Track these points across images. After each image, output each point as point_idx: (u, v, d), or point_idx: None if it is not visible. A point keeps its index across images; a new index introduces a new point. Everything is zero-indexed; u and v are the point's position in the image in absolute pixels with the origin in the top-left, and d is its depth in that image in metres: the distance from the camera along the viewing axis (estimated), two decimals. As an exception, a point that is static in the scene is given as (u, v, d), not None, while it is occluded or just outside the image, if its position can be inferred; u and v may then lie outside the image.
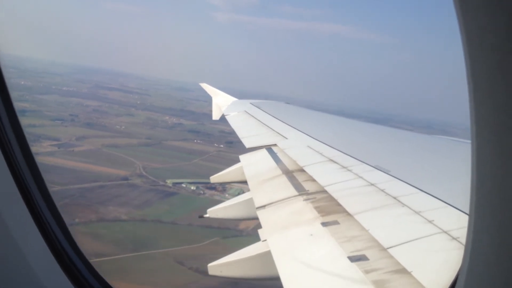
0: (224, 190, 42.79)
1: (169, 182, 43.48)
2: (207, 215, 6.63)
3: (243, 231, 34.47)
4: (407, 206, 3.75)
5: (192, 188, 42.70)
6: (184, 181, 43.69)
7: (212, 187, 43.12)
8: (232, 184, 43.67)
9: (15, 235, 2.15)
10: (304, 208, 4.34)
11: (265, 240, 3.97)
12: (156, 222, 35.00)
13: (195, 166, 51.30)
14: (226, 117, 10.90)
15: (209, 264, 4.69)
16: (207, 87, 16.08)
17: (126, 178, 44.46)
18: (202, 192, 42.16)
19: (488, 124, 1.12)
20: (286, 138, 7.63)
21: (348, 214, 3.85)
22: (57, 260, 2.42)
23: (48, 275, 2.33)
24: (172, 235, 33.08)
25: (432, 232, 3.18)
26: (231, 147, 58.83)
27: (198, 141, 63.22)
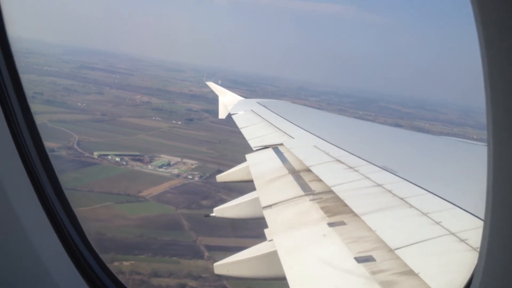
0: (150, 161, 42.87)
1: (96, 154, 43.22)
2: (213, 214, 6.63)
3: (141, 197, 35.06)
4: (414, 207, 3.72)
5: (116, 159, 42.50)
6: (111, 153, 43.45)
7: (139, 159, 43.21)
8: (161, 156, 44.77)
9: (30, 236, 2.16)
10: (310, 208, 4.31)
11: (272, 240, 3.93)
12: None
13: (136, 141, 50.67)
14: (233, 116, 10.83)
15: (215, 264, 4.71)
16: (213, 86, 16.09)
17: (52, 150, 43.11)
18: (124, 163, 42.24)
19: (506, 125, 1.11)
20: (293, 138, 7.56)
21: (355, 214, 3.82)
22: (73, 260, 2.42)
23: (63, 276, 2.34)
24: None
25: (440, 233, 3.16)
26: (188, 123, 59.16)
27: (157, 118, 62.49)
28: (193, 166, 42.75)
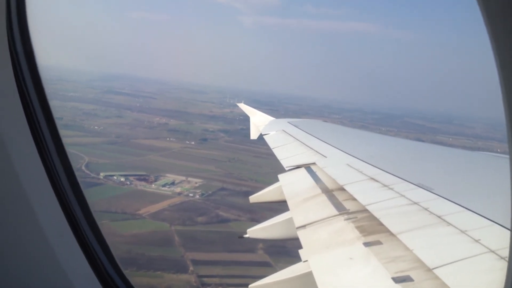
0: (155, 180, 43.18)
1: (102, 175, 43.63)
2: (246, 235, 6.57)
3: (137, 215, 35.28)
4: (452, 225, 3.66)
5: (121, 179, 42.87)
6: (116, 174, 43.72)
7: (144, 178, 43.64)
8: (167, 175, 44.63)
9: (50, 239, 2.21)
10: (345, 228, 4.24)
11: (306, 260, 3.90)
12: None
13: (145, 161, 51.10)
14: (264, 136, 10.87)
15: (251, 285, 4.68)
16: (244, 107, 16.15)
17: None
18: (128, 183, 42.66)
19: None
20: (325, 157, 7.48)
21: (391, 233, 3.78)
22: (89, 262, 2.48)
23: (79, 277, 2.39)
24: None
25: (479, 251, 3.10)
26: (201, 143, 60.05)
27: (171, 139, 62.81)
28: (196, 185, 43.15)
